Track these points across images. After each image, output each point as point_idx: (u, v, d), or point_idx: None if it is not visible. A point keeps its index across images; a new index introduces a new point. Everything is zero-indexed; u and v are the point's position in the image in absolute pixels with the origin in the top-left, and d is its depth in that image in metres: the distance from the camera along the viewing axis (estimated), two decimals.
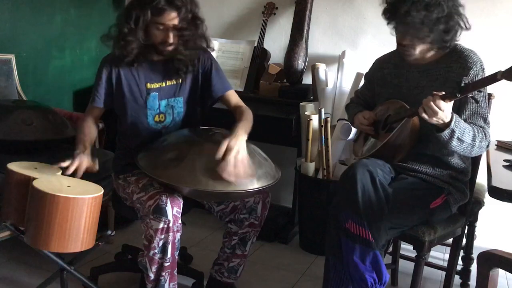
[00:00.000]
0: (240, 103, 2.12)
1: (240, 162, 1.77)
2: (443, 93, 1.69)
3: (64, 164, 1.84)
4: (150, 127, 2.05)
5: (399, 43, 1.91)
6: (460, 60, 1.88)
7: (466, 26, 1.87)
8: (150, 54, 1.98)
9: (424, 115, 1.72)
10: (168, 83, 2.04)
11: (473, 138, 1.79)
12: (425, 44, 1.86)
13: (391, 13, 1.84)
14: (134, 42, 1.89)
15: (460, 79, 1.79)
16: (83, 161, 1.88)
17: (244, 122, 1.94)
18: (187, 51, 1.96)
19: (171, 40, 1.90)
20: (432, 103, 1.68)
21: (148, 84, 2.01)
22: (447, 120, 1.72)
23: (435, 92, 1.70)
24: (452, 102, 1.71)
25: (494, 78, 1.61)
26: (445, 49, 1.90)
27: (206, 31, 2.01)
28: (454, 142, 1.76)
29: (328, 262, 1.87)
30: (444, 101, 1.68)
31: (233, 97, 2.12)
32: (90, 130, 2.05)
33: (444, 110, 1.69)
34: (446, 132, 1.74)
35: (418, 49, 1.89)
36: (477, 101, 1.81)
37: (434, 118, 1.71)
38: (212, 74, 2.09)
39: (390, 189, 1.82)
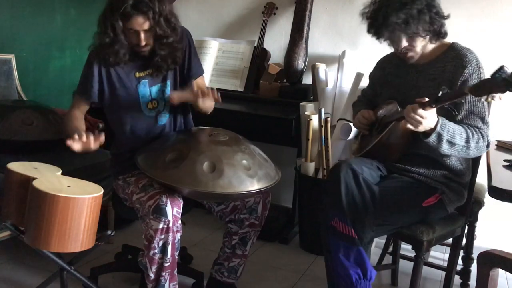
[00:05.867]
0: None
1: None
2: (425, 100, 1.69)
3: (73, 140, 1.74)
4: (145, 116, 2.06)
5: (397, 50, 1.92)
6: (456, 59, 1.87)
7: (444, 15, 1.89)
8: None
9: (410, 126, 1.73)
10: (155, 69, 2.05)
11: (467, 139, 1.78)
12: (421, 39, 1.87)
13: (376, 27, 1.87)
14: (123, 48, 1.93)
15: (452, 78, 1.81)
16: (89, 136, 1.77)
17: None
18: (166, 50, 1.98)
19: (142, 43, 1.93)
20: (412, 114, 1.69)
21: (137, 73, 2.04)
22: (433, 125, 1.72)
23: (417, 100, 1.70)
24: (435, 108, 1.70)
25: (462, 92, 1.62)
26: (441, 38, 1.91)
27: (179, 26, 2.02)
28: (445, 146, 1.76)
29: (326, 261, 1.89)
30: (424, 109, 1.68)
31: (202, 83, 2.17)
32: (79, 120, 2.00)
33: (427, 117, 1.69)
34: (433, 137, 1.74)
35: (418, 48, 1.89)
36: (454, 111, 1.78)
37: (420, 127, 1.71)
38: (191, 55, 2.12)
39: (376, 187, 1.83)
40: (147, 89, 2.05)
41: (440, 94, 1.66)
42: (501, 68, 1.51)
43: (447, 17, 1.90)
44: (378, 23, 1.84)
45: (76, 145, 1.75)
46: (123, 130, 2.07)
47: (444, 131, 1.74)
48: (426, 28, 1.84)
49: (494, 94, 1.54)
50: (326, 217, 1.84)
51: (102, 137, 1.79)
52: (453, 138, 1.76)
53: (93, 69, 2.01)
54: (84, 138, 1.75)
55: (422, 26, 1.83)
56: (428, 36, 1.87)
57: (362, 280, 1.78)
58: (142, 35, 1.90)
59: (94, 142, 1.77)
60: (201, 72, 2.16)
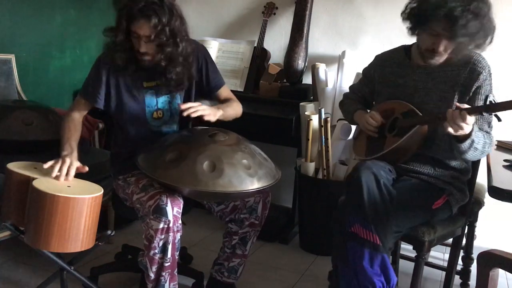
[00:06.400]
0: (230, 96, 2.18)
1: (201, 110, 1.88)
2: (468, 106, 1.66)
3: (46, 165, 1.78)
4: (149, 124, 2.06)
5: (432, 49, 1.80)
6: (470, 64, 1.84)
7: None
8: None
9: (450, 130, 1.67)
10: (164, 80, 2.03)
11: (484, 145, 1.79)
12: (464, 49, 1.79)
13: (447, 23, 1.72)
14: (119, 47, 1.91)
15: (467, 83, 1.79)
16: (73, 162, 1.82)
17: (224, 105, 2.06)
18: (176, 68, 1.94)
19: (141, 50, 1.89)
20: (460, 120, 1.64)
21: (145, 83, 2.03)
22: (468, 132, 1.70)
23: (458, 105, 1.66)
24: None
25: None
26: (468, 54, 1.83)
27: (189, 48, 1.97)
28: (471, 151, 1.76)
29: (336, 268, 1.85)
30: (470, 115, 1.65)
31: (224, 92, 2.17)
32: (76, 129, 2.00)
33: (470, 124, 1.67)
34: (467, 143, 1.73)
35: (446, 57, 1.84)
36: (499, 119, 1.77)
37: (460, 131, 1.68)
38: (209, 70, 2.11)
39: (394, 190, 1.80)
40: (154, 99, 2.05)
41: (488, 102, 1.67)
42: None
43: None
44: (456, 26, 1.69)
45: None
46: (127, 134, 2.07)
47: (476, 138, 1.73)
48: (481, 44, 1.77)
49: None
50: (344, 223, 1.79)
51: (85, 169, 1.84)
52: (478, 144, 1.76)
53: (101, 74, 1.99)
54: (64, 171, 1.79)
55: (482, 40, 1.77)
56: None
57: None
58: (142, 41, 1.87)
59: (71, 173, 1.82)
60: (221, 84, 2.14)
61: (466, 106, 1.67)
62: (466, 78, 1.84)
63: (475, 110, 1.66)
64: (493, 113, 1.72)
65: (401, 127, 1.93)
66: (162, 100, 2.06)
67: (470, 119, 1.65)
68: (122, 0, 1.88)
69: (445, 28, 1.72)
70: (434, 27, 1.75)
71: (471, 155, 1.79)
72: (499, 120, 1.78)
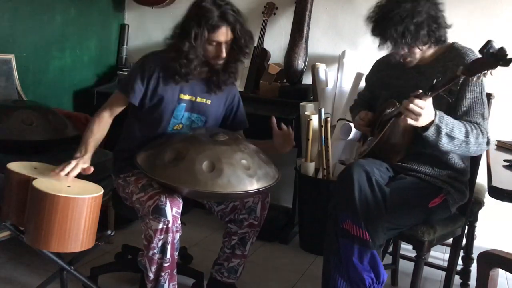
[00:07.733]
0: None
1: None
2: (419, 92, 1.70)
3: (62, 171, 1.81)
4: (166, 133, 2.05)
5: (402, 54, 1.91)
6: (457, 58, 1.87)
7: (446, 25, 1.90)
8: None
9: (410, 121, 1.70)
10: (199, 99, 2.06)
11: (466, 134, 1.78)
12: (420, 47, 1.87)
13: (376, 35, 1.91)
14: (196, 59, 1.92)
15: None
16: (78, 165, 1.84)
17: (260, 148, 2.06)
18: (235, 64, 2.04)
19: (224, 55, 1.94)
20: (411, 105, 1.67)
21: (181, 94, 2.03)
22: (431, 118, 1.72)
23: (411, 94, 1.71)
24: (431, 99, 1.70)
25: (455, 75, 1.63)
26: (440, 43, 1.91)
27: (251, 45, 2.07)
28: (444, 139, 1.75)
29: (328, 262, 1.86)
30: (422, 99, 1.68)
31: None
32: (100, 129, 2.00)
33: (425, 107, 1.69)
34: (432, 130, 1.73)
35: (417, 55, 1.90)
36: (451, 98, 1.77)
37: (420, 119, 1.70)
38: (238, 110, 2.19)
39: (387, 188, 1.81)
40: (182, 112, 2.05)
41: (434, 82, 1.67)
42: (488, 43, 1.51)
43: (449, 26, 1.90)
44: (376, 34, 1.86)
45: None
46: (141, 133, 2.06)
47: (443, 124, 1.73)
48: (424, 41, 1.85)
49: (486, 71, 1.54)
50: (336, 220, 1.81)
51: (90, 170, 1.86)
52: (452, 132, 1.75)
53: (145, 73, 1.98)
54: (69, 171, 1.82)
55: (420, 39, 1.83)
56: (426, 46, 1.88)
57: (375, 284, 1.76)
58: (224, 46, 1.92)
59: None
60: (244, 126, 2.22)
61: (419, 91, 1.71)
62: (452, 71, 1.84)
63: (422, 94, 1.69)
64: (442, 92, 1.70)
65: (384, 123, 1.96)
66: (187, 116, 2.06)
67: (421, 102, 1.67)
68: (195, 10, 1.90)
69: (383, 31, 1.85)
70: (388, 38, 1.85)
71: (452, 146, 1.78)
72: (451, 99, 1.77)
